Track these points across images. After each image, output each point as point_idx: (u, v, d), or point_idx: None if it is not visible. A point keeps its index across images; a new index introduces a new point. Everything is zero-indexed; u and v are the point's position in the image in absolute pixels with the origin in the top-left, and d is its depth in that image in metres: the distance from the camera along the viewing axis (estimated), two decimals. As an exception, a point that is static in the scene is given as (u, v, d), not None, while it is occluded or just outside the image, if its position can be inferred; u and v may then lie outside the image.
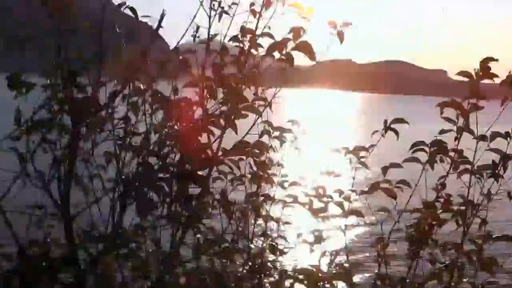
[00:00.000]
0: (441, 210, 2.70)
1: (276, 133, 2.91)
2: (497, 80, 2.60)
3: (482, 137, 2.59)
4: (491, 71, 2.58)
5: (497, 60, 2.55)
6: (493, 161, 2.59)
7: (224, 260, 2.67)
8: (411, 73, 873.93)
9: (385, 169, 2.74)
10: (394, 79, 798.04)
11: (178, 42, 2.93)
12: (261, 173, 2.85)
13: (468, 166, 2.64)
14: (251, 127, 2.84)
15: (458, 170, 2.63)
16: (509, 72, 2.61)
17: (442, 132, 2.62)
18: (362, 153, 2.90)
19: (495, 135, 2.59)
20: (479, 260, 2.59)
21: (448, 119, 2.62)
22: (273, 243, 2.91)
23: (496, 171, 2.59)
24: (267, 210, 2.94)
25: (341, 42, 2.82)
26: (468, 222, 2.64)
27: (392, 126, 2.82)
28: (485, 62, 2.53)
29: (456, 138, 2.60)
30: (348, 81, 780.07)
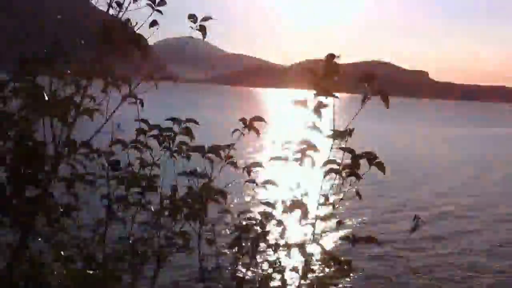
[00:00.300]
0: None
1: (155, 132, 2.76)
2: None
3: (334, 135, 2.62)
4: (337, 68, 2.53)
5: (339, 56, 2.61)
6: (352, 160, 2.63)
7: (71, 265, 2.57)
8: (392, 74, 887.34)
9: (247, 169, 2.76)
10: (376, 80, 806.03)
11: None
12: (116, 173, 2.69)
13: (335, 166, 2.66)
14: (101, 127, 2.68)
15: (326, 170, 2.65)
16: (372, 71, 2.65)
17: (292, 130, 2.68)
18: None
19: (340, 134, 2.60)
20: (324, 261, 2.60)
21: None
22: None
23: (355, 170, 2.61)
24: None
25: (204, 36, 2.73)
26: (314, 223, 2.66)
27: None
28: (329, 59, 2.58)
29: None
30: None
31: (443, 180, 29.07)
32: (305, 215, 2.66)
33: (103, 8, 2.84)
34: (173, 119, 2.74)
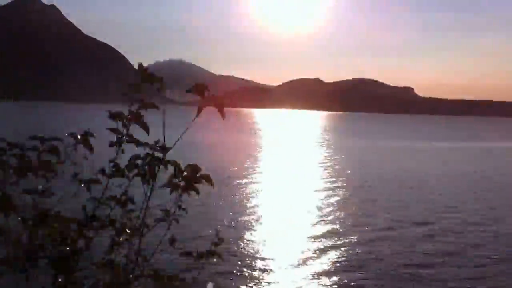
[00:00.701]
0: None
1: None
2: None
3: (111, 144, 2.60)
4: (152, 78, 2.57)
5: (147, 68, 2.58)
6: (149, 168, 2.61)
7: None
8: (379, 91, 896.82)
9: (87, 184, 2.73)
10: (362, 97, 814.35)
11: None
12: None
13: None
14: None
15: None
16: (202, 83, 2.64)
17: (111, 145, 2.62)
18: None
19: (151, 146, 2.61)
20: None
21: (113, 130, 2.61)
22: None
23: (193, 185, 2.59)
24: None
25: None
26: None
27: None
28: (140, 68, 2.59)
29: (122, 149, 2.62)
30: (316, 100, 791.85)
31: (436, 195, 29.05)
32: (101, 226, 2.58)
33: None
34: (35, 137, 2.66)
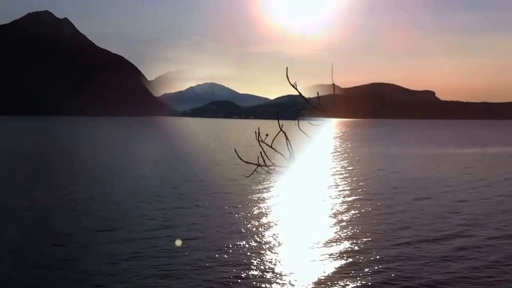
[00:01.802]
0: None
1: None
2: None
3: None
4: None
5: None
6: None
7: None
8: (398, 96, 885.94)
9: None
10: (380, 102, 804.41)
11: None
12: None
13: None
14: None
15: None
16: None
17: None
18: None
19: None
20: None
21: None
22: None
23: None
24: None
25: None
26: None
27: None
28: None
29: None
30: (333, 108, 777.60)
31: (465, 206, 28.50)
32: None
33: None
34: None
